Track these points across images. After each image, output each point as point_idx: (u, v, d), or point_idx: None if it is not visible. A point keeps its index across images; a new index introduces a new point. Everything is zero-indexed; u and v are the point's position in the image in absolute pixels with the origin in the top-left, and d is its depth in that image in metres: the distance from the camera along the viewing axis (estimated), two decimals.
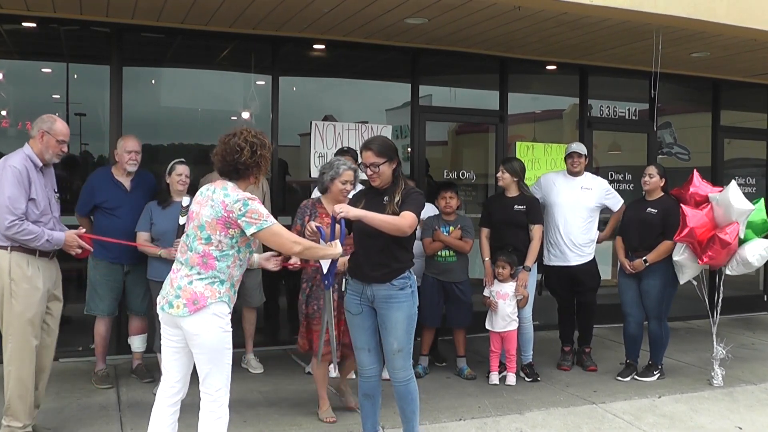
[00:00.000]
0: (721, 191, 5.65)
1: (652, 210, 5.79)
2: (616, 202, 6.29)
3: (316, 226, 3.87)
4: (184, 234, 3.50)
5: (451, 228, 5.84)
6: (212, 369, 3.39)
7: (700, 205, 5.65)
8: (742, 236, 5.57)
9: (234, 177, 3.45)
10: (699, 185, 5.75)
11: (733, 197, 5.48)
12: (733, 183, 5.62)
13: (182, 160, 5.31)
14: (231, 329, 3.45)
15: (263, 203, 5.87)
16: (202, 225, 3.36)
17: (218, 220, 3.32)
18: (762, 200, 5.81)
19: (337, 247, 3.69)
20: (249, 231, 3.33)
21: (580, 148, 6.25)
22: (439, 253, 5.85)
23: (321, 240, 3.82)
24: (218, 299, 3.37)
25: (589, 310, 6.26)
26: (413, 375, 4.04)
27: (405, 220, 3.80)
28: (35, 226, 4.08)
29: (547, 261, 6.19)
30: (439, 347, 6.36)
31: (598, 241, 6.29)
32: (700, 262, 5.61)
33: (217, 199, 3.35)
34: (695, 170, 5.90)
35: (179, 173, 5.20)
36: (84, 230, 4.51)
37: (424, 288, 5.75)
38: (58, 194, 4.39)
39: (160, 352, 5.30)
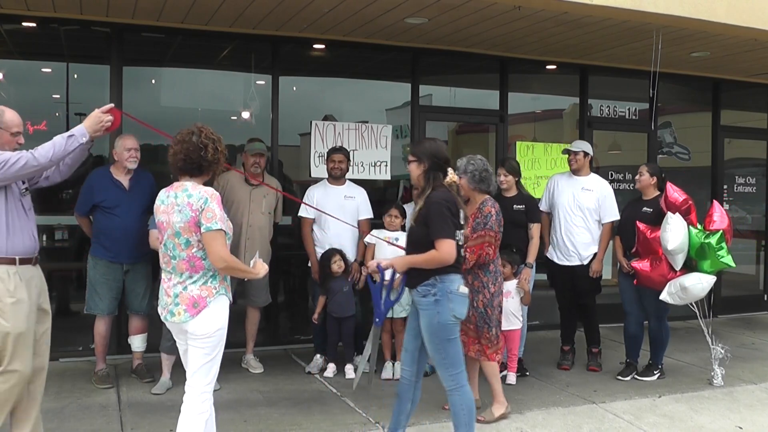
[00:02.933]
0: (681, 206, 5.49)
1: (647, 209, 5.79)
2: (607, 214, 6.11)
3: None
4: (162, 245, 3.52)
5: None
6: (206, 364, 3.45)
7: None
8: (677, 268, 5.45)
9: (196, 173, 3.48)
10: (671, 194, 5.55)
11: (666, 230, 5.38)
12: (669, 216, 5.42)
13: None
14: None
15: (276, 205, 5.94)
16: (177, 232, 3.40)
17: (189, 222, 3.37)
18: (720, 234, 5.44)
19: (259, 269, 3.66)
20: (201, 228, 3.36)
21: (575, 145, 6.25)
22: None
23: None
24: (216, 294, 3.44)
25: (587, 311, 6.24)
26: (459, 386, 3.93)
27: (440, 254, 3.80)
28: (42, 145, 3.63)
29: (550, 257, 6.22)
30: None
31: (593, 272, 6.08)
32: (635, 281, 5.67)
33: (183, 203, 3.39)
34: (668, 182, 5.72)
35: None
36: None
37: None
38: (26, 189, 3.84)
39: (164, 351, 5.33)
